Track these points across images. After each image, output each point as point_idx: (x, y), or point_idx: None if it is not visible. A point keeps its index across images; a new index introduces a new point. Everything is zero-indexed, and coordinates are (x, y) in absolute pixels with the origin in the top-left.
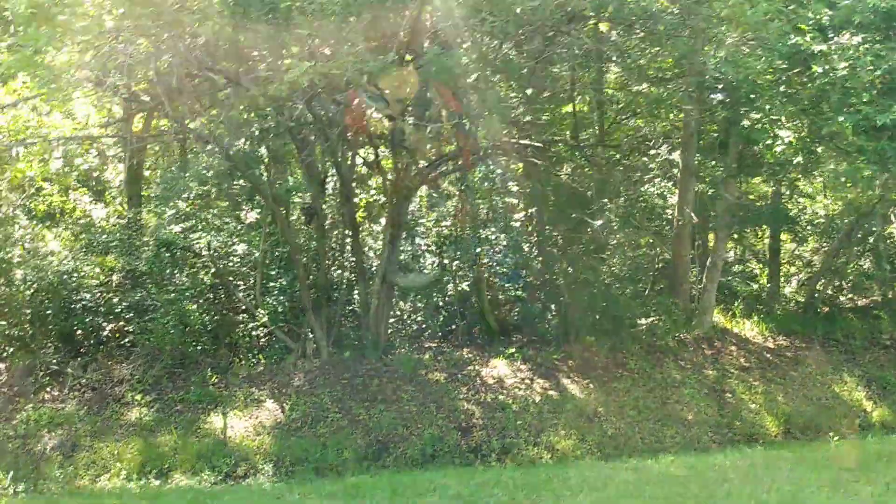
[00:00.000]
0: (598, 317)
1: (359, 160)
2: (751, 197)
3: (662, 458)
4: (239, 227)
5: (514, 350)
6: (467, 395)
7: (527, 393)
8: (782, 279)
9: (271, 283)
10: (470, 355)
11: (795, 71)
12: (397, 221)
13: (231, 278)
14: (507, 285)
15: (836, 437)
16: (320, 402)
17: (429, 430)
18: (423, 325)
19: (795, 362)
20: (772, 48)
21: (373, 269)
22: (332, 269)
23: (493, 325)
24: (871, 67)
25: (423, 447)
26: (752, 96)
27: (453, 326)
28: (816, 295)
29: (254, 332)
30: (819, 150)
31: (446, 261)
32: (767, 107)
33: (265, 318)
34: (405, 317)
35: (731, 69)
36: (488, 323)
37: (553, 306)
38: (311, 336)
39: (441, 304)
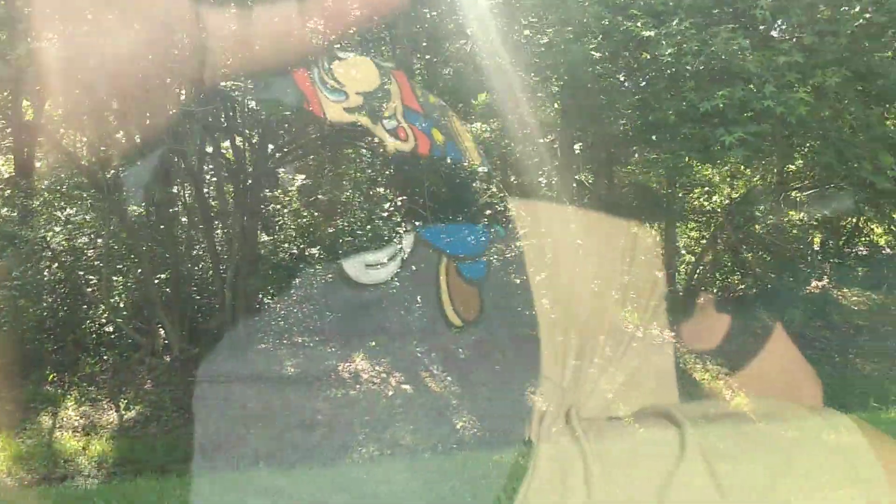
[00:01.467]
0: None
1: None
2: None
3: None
4: (87, 220)
5: (374, 343)
6: (316, 392)
7: (381, 388)
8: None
9: (121, 278)
10: (331, 349)
11: (628, 58)
12: (251, 210)
13: (82, 272)
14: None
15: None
16: (159, 401)
17: (270, 429)
18: (292, 320)
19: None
20: (596, 33)
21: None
22: (188, 262)
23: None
24: (696, 52)
25: (259, 447)
26: (589, 85)
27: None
28: (693, 284)
29: (103, 329)
30: (654, 138)
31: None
32: (601, 96)
33: (109, 314)
34: (276, 310)
35: (558, 56)
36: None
37: (419, 297)
38: (162, 333)
39: (308, 296)
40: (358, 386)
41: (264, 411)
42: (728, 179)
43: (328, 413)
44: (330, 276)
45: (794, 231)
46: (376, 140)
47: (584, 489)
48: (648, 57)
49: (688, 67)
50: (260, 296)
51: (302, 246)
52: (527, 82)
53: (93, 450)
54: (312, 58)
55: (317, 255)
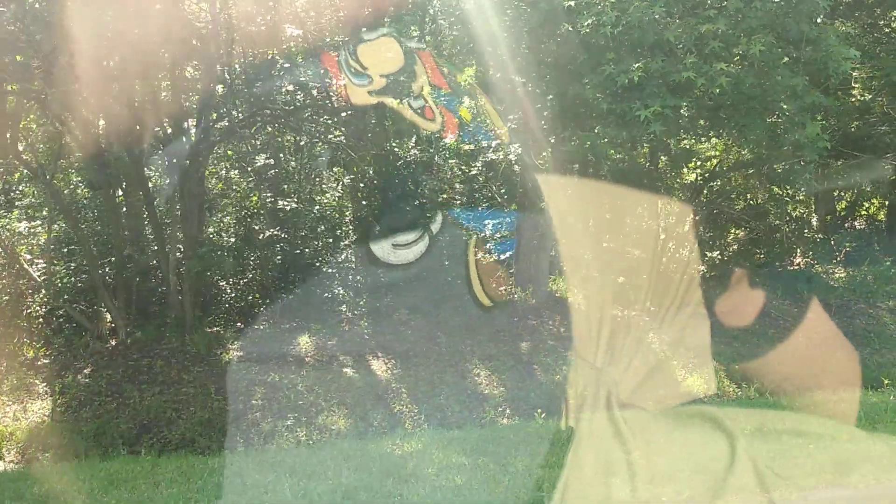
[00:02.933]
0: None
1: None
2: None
3: (439, 433)
4: (31, 203)
5: (320, 326)
6: (254, 376)
7: (321, 372)
8: None
9: (62, 263)
10: (279, 332)
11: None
12: (192, 192)
13: (29, 256)
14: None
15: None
16: (95, 386)
17: (199, 414)
18: (242, 303)
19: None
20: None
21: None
22: (134, 246)
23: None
24: (614, 23)
25: (185, 432)
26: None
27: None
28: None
29: (50, 314)
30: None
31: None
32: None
33: (51, 299)
34: (229, 293)
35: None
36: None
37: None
38: (108, 317)
39: (256, 279)
40: (298, 369)
41: (196, 396)
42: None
43: (266, 396)
44: (279, 257)
45: (774, 207)
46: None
47: (627, 474)
48: (570, 29)
49: (607, 37)
50: (211, 279)
51: (256, 227)
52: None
53: (19, 436)
54: (340, 38)
55: (267, 237)
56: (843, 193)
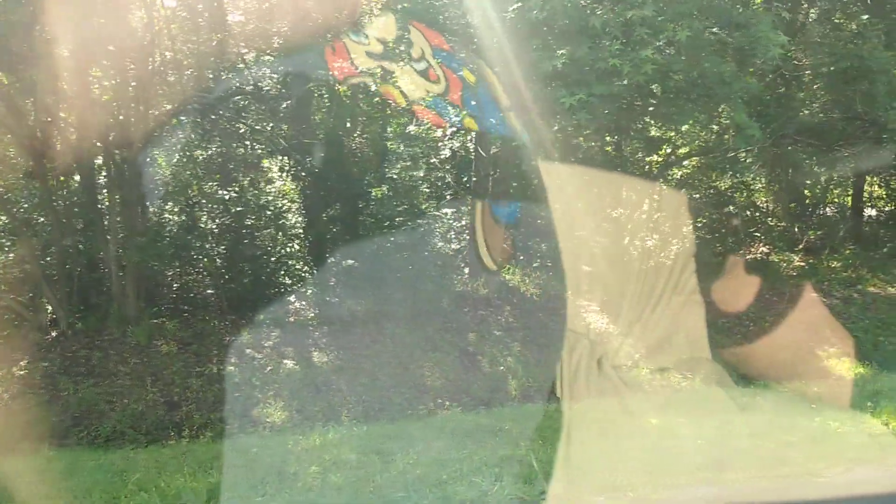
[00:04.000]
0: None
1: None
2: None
3: (372, 425)
4: None
5: (265, 317)
6: (192, 367)
7: (261, 363)
8: None
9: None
10: (223, 324)
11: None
12: (132, 181)
13: None
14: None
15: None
16: (29, 378)
17: (133, 406)
18: (187, 293)
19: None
20: None
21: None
22: (75, 236)
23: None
24: (540, 8)
25: (116, 424)
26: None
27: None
28: None
29: None
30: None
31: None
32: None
33: None
34: (174, 284)
35: None
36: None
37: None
38: (49, 308)
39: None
40: (239, 361)
41: (132, 387)
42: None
43: (203, 388)
44: (223, 247)
45: (738, 195)
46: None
47: (664, 443)
48: (495, 14)
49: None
50: (155, 269)
51: (201, 217)
52: None
53: None
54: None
55: (210, 227)
56: (809, 181)
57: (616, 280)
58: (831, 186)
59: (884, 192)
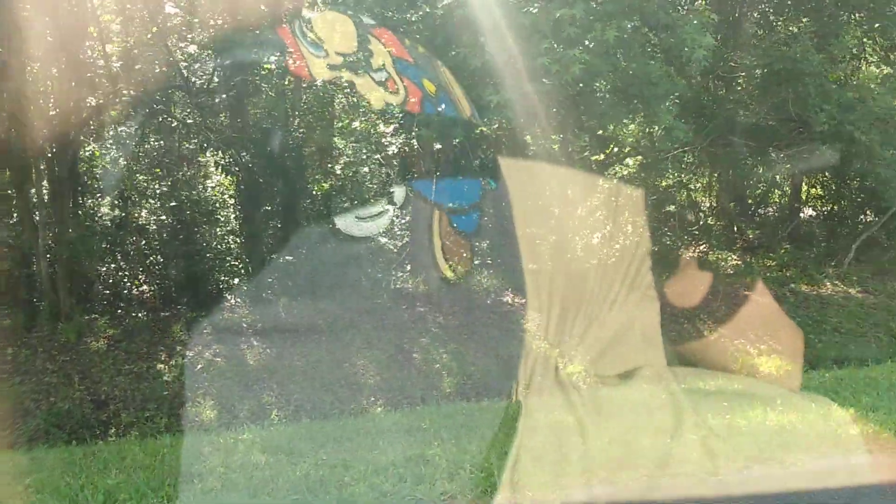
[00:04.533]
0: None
1: None
2: None
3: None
4: None
5: (199, 313)
6: (121, 365)
7: (192, 361)
8: None
9: None
10: (156, 320)
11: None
12: (60, 175)
13: None
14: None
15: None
16: None
17: (59, 404)
18: (122, 289)
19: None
20: None
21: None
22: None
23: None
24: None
25: (41, 423)
26: None
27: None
28: None
29: None
30: None
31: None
32: None
33: None
34: (107, 279)
35: None
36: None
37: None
38: None
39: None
40: (170, 358)
41: (59, 386)
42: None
43: (131, 386)
44: (157, 243)
45: (678, 195)
46: None
47: (580, 442)
48: (428, 10)
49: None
50: (87, 265)
51: (134, 210)
52: None
53: None
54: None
55: (146, 222)
56: (751, 181)
57: (574, 278)
58: (773, 187)
59: (821, 193)
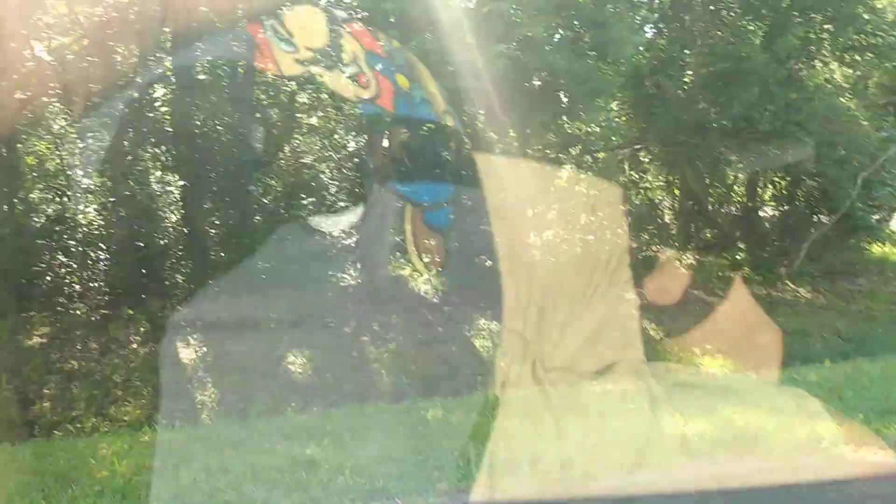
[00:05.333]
0: None
1: None
2: None
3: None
4: None
5: (137, 311)
6: (53, 364)
7: (125, 359)
8: None
9: None
10: (95, 318)
11: None
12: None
13: None
14: None
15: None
16: None
17: None
18: (63, 286)
19: None
20: None
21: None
22: None
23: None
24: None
25: None
26: None
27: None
28: None
29: None
30: None
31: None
32: None
33: None
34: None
35: None
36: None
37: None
38: None
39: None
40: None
41: None
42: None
43: (61, 385)
44: (98, 239)
45: (634, 193)
46: None
47: (555, 440)
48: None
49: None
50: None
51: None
52: None
53: None
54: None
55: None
56: (708, 180)
57: (551, 275)
58: (727, 187)
59: (774, 192)
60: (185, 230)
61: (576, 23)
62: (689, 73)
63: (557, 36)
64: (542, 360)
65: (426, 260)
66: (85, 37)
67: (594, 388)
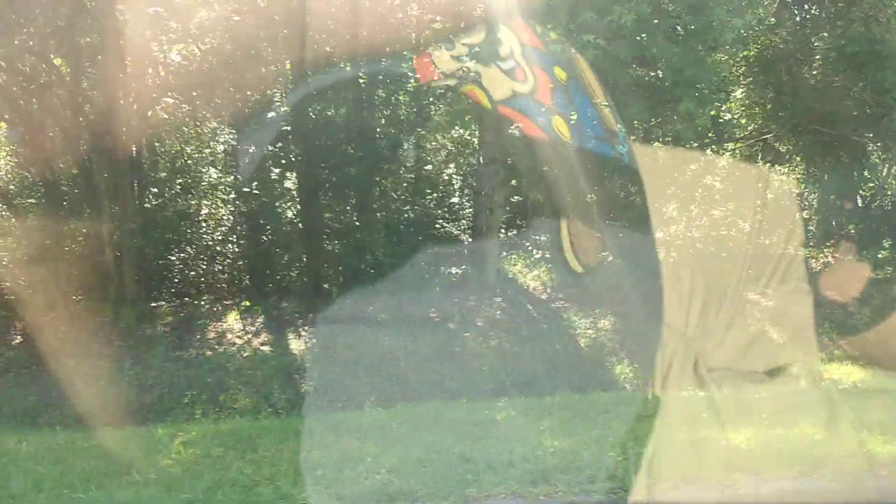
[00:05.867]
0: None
1: None
2: None
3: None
4: None
5: (254, 303)
6: (172, 351)
7: (244, 347)
8: None
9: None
10: (220, 309)
11: None
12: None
13: None
14: None
15: None
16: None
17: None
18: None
19: None
20: None
21: None
22: None
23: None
24: None
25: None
26: None
27: None
28: None
29: None
30: None
31: None
32: None
33: None
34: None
35: None
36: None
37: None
38: None
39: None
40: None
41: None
42: None
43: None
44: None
45: None
46: None
47: (719, 439)
48: None
49: None
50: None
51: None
52: None
53: None
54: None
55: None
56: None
57: (717, 270)
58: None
59: None
60: (300, 226)
61: (671, 7)
62: (818, 57)
63: (654, 22)
64: (705, 359)
65: (580, 256)
66: (222, 43)
67: (763, 391)
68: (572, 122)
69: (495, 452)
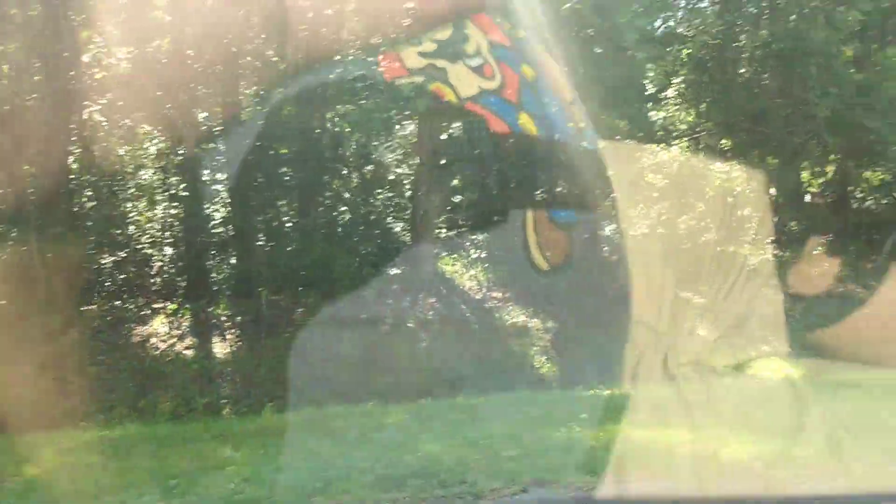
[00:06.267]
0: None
1: None
2: None
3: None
4: None
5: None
6: (94, 356)
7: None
8: None
9: None
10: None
11: None
12: None
13: None
14: None
15: None
16: None
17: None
18: None
19: None
20: None
21: None
22: None
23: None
24: None
25: None
26: None
27: None
28: None
29: None
30: None
31: None
32: None
33: None
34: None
35: None
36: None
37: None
38: None
39: None
40: None
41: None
42: None
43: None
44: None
45: None
46: None
47: (688, 434)
48: None
49: None
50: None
51: None
52: None
53: None
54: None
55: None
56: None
57: (687, 266)
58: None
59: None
60: (231, 228)
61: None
62: (745, 56)
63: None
64: (675, 353)
65: (548, 254)
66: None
67: (731, 383)
68: (540, 118)
69: (359, 458)
